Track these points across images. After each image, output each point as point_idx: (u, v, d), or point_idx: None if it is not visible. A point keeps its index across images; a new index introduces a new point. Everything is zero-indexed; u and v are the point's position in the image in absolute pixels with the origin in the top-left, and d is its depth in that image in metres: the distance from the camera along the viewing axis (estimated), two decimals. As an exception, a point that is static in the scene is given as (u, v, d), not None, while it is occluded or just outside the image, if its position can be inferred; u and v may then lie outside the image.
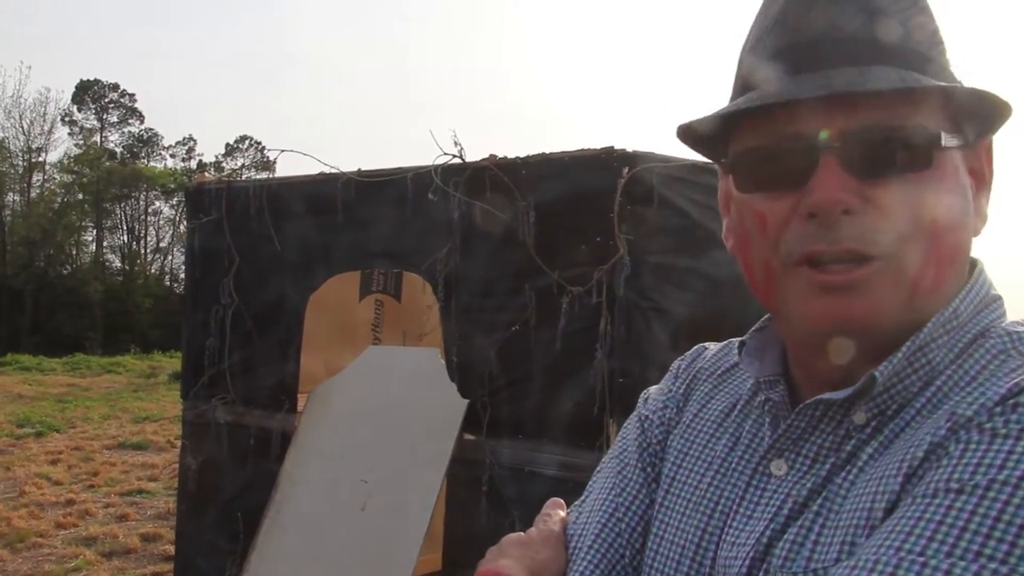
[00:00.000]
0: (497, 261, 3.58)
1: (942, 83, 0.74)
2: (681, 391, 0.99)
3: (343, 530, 3.71)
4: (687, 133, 0.85)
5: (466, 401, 3.60)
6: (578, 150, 3.37)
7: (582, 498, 0.99)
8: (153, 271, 49.25)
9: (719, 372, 0.98)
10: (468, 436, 3.59)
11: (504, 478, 3.45)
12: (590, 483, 1.00)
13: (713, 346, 1.02)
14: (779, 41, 0.78)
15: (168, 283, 47.60)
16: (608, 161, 3.26)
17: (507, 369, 3.54)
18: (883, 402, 0.76)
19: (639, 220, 3.22)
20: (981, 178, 0.82)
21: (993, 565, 0.60)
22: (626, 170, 3.19)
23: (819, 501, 0.76)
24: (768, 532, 0.78)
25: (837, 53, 0.75)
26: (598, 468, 1.01)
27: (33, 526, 7.28)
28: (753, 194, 0.79)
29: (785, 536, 0.76)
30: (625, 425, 1.02)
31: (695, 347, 1.05)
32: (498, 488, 3.45)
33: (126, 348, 29.65)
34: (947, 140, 0.75)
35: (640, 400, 1.04)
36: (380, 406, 3.90)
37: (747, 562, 0.78)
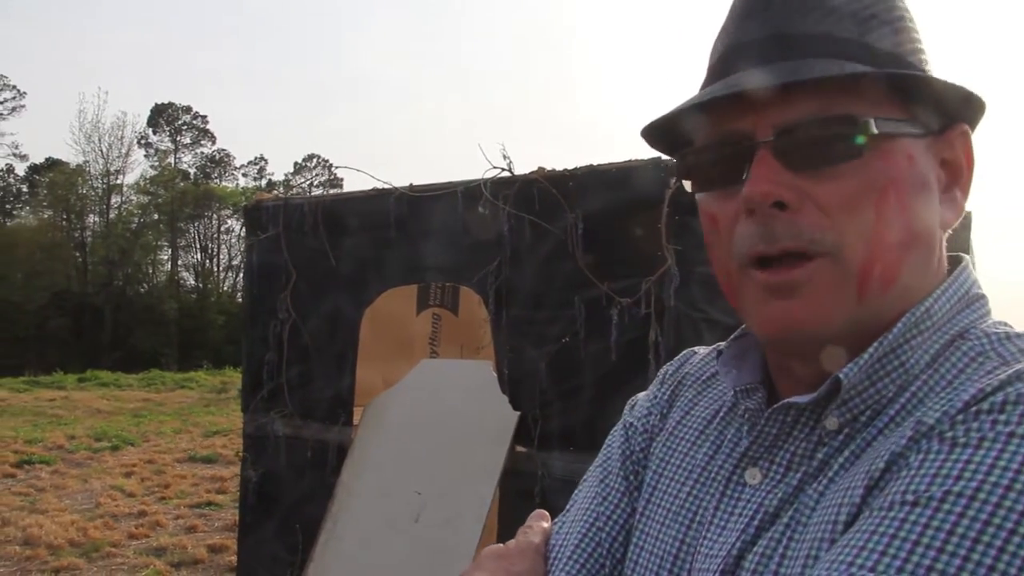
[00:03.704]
0: (546, 273, 3.59)
1: (869, 69, 0.72)
2: (666, 397, 0.97)
3: (398, 541, 3.74)
4: (652, 139, 0.86)
5: (517, 413, 3.61)
6: (625, 161, 3.37)
7: (567, 508, 0.97)
8: (225, 288, 50.43)
9: (704, 378, 0.95)
10: (520, 448, 3.60)
11: (555, 490, 3.44)
12: (575, 492, 0.98)
13: (702, 350, 0.99)
14: (725, 41, 0.79)
15: (240, 300, 48.58)
16: (655, 171, 3.24)
17: (558, 381, 3.54)
18: (855, 406, 0.73)
19: (687, 230, 3.19)
20: (955, 169, 0.78)
21: None
22: (673, 180, 3.17)
23: (790, 513, 0.73)
24: (739, 544, 0.75)
25: (773, 49, 0.74)
26: (584, 477, 0.98)
27: (107, 536, 7.50)
28: (704, 195, 0.80)
29: (755, 548, 0.74)
30: (612, 433, 1.00)
31: (684, 351, 1.01)
32: (550, 500, 3.44)
33: (199, 364, 30.32)
34: (887, 127, 0.72)
35: (627, 407, 1.02)
36: (433, 418, 3.93)
37: (718, 574, 0.76)
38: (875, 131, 0.71)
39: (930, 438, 0.65)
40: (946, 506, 0.60)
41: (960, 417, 0.65)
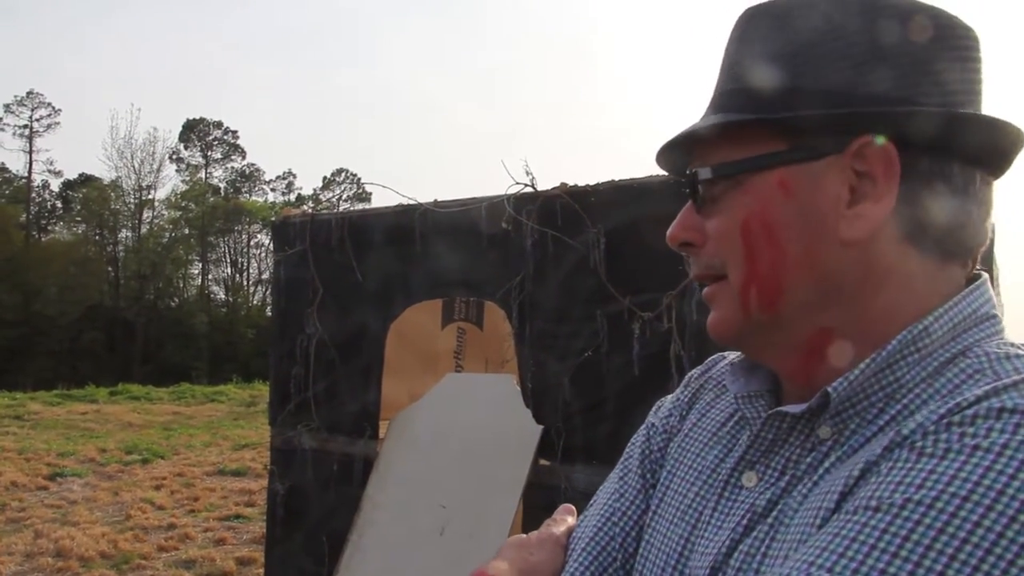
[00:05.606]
0: (569, 288, 3.61)
1: (729, 118, 0.80)
2: (686, 399, 1.00)
3: (422, 554, 3.77)
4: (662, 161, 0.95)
5: (541, 427, 3.64)
6: (646, 176, 3.38)
7: (588, 505, 1.01)
8: (255, 302, 50.76)
9: (724, 382, 0.98)
10: (543, 462, 3.62)
11: (579, 503, 3.44)
12: (598, 490, 1.02)
13: (731, 355, 1.01)
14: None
15: (269, 313, 48.82)
16: (677, 186, 3.25)
17: (581, 395, 3.56)
18: (848, 417, 0.76)
19: (708, 244, 3.20)
20: (870, 180, 0.76)
21: None
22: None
23: (774, 513, 0.77)
24: (728, 543, 0.79)
25: (709, 106, 0.85)
26: (609, 476, 1.03)
27: (137, 548, 7.60)
28: None
29: (740, 547, 0.78)
30: (636, 433, 1.04)
31: (712, 357, 1.04)
32: (573, 514, 3.46)
33: (229, 377, 30.52)
34: (730, 168, 0.80)
35: (653, 409, 1.05)
36: (458, 432, 3.96)
37: (708, 571, 0.79)
38: (703, 179, 0.82)
39: (902, 447, 0.68)
40: (905, 513, 0.62)
41: (932, 428, 0.67)
